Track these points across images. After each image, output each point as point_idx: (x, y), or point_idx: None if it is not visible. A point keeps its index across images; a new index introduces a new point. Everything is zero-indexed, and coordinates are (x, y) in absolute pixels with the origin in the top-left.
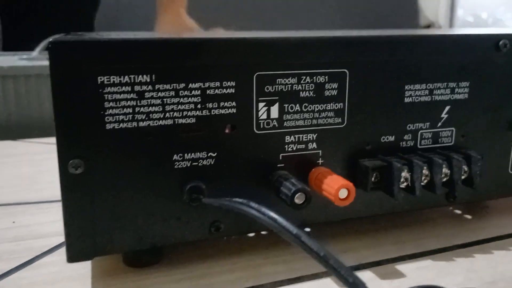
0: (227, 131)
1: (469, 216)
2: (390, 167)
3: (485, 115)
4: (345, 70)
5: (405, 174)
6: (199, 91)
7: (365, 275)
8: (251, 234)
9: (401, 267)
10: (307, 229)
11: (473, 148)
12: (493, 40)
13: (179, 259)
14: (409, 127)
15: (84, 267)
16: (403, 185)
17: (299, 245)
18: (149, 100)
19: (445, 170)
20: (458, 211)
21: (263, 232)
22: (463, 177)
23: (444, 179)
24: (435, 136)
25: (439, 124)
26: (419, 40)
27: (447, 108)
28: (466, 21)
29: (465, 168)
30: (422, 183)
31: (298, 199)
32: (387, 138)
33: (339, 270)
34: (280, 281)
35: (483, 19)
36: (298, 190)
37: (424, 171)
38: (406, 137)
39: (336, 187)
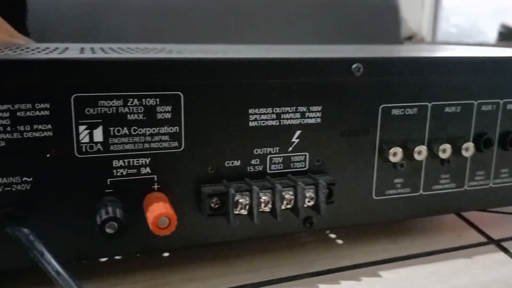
0: (43, 155)
1: (340, 241)
2: (227, 194)
3: (342, 139)
4: (179, 93)
5: (244, 200)
6: (7, 113)
7: None
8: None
9: None
10: None
11: (331, 173)
12: (345, 64)
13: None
14: (256, 151)
15: None
16: (243, 212)
17: (57, 282)
18: None
19: (289, 196)
20: (333, 235)
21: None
22: (310, 204)
23: (288, 206)
24: (286, 161)
25: (290, 148)
26: (263, 63)
27: (298, 132)
28: (449, 32)
29: (312, 194)
30: (263, 209)
31: (110, 228)
32: (232, 163)
33: None
34: None
35: (466, 30)
36: (108, 220)
37: (265, 198)
38: (253, 161)
39: (154, 215)
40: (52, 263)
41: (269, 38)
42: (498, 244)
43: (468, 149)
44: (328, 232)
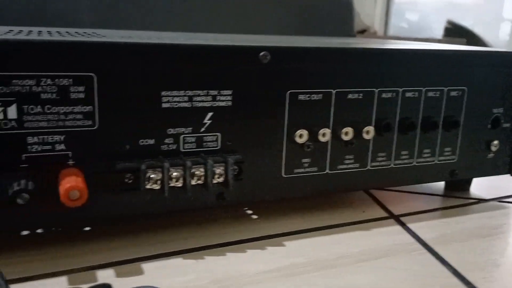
0: None
1: (255, 216)
2: (139, 169)
3: (252, 122)
4: (92, 74)
5: (156, 176)
6: None
7: (104, 273)
8: None
9: (147, 265)
10: None
11: (242, 153)
12: (253, 52)
13: None
14: (170, 131)
15: None
16: (155, 186)
17: None
18: None
19: (199, 172)
20: (250, 211)
21: None
22: (220, 180)
23: (199, 182)
24: (199, 140)
25: (202, 129)
26: (174, 49)
27: (210, 114)
28: (400, 26)
29: (222, 171)
30: (174, 184)
31: (20, 199)
32: (146, 142)
33: None
34: None
35: (416, 25)
36: (19, 191)
37: (176, 174)
38: (167, 140)
39: (65, 188)
40: None
41: (224, 28)
42: (398, 218)
43: (369, 132)
44: (245, 209)
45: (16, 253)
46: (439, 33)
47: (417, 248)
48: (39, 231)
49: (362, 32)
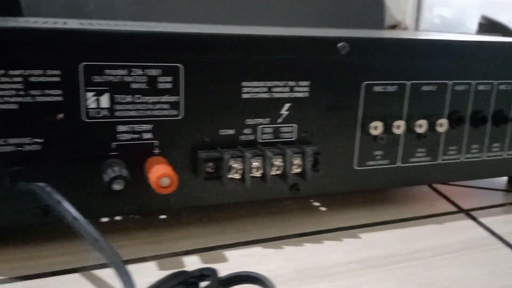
0: (54, 118)
1: (324, 208)
2: (222, 159)
3: (327, 113)
4: (179, 64)
5: (238, 165)
6: (21, 78)
7: (189, 259)
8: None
9: (229, 253)
10: None
11: (317, 144)
12: (331, 42)
13: (12, 241)
14: (248, 122)
15: None
16: (236, 176)
17: (74, 228)
18: None
19: (278, 163)
20: (317, 203)
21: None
22: (297, 171)
23: (278, 172)
24: (276, 131)
25: (280, 120)
26: (256, 40)
27: (287, 105)
28: (432, 22)
29: (300, 162)
30: (254, 174)
31: (117, 185)
32: (226, 132)
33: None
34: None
35: (449, 21)
36: (116, 177)
37: (256, 164)
38: (246, 131)
39: (157, 175)
40: (70, 209)
41: (256, 19)
42: (467, 213)
43: (442, 125)
44: (312, 200)
45: (108, 239)
46: (471, 28)
47: (493, 242)
48: (117, 218)
49: (394, 27)
